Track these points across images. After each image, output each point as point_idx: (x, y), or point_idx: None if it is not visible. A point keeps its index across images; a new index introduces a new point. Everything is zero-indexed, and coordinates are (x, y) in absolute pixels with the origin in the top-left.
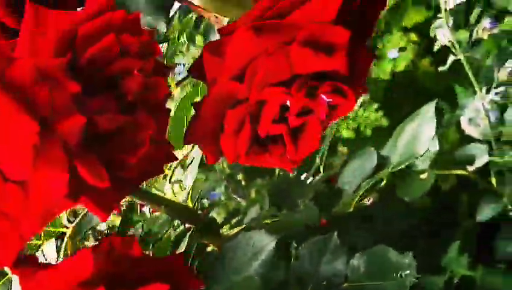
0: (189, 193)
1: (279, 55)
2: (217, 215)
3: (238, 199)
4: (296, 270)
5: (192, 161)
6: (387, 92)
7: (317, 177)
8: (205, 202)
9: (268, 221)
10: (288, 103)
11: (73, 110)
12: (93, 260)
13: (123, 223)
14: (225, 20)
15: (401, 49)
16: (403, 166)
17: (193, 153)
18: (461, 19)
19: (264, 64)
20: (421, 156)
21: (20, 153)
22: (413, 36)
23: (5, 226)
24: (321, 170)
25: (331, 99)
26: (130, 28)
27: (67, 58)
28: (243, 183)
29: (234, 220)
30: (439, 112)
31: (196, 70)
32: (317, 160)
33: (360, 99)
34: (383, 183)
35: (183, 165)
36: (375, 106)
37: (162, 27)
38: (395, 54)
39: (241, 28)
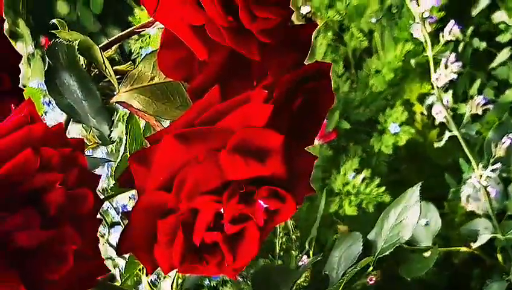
0: (173, 281)
1: (209, 163)
2: None
3: (240, 279)
4: None
5: None
6: (390, 166)
7: (305, 262)
8: None
9: None
10: (222, 210)
11: None
12: None
13: None
14: (166, 123)
15: (403, 124)
16: (387, 252)
17: None
18: (460, 91)
19: (193, 172)
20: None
21: None
22: (419, 107)
23: None
24: (310, 254)
25: (268, 205)
26: (53, 140)
27: None
28: None
29: None
30: (444, 185)
31: (125, 179)
32: (307, 245)
33: (362, 175)
34: (369, 270)
35: None
36: (377, 181)
37: (105, 130)
38: (396, 128)
39: (167, 136)
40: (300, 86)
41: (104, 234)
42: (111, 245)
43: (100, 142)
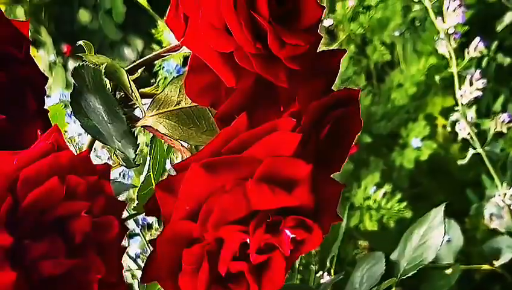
0: None
1: (236, 192)
2: None
3: None
4: None
5: None
6: (411, 181)
7: (326, 281)
8: None
9: None
10: (248, 240)
11: (4, 265)
12: None
13: None
14: (193, 149)
15: (425, 138)
16: (410, 274)
17: None
18: (484, 106)
19: (219, 202)
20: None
21: None
22: (442, 121)
23: None
24: (332, 273)
25: (294, 235)
26: (79, 168)
27: (6, 204)
28: None
29: None
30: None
31: (151, 206)
32: (328, 262)
33: (383, 190)
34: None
35: None
36: (399, 196)
37: (131, 153)
38: (418, 143)
39: (194, 165)
40: (328, 113)
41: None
42: (130, 257)
43: (124, 164)
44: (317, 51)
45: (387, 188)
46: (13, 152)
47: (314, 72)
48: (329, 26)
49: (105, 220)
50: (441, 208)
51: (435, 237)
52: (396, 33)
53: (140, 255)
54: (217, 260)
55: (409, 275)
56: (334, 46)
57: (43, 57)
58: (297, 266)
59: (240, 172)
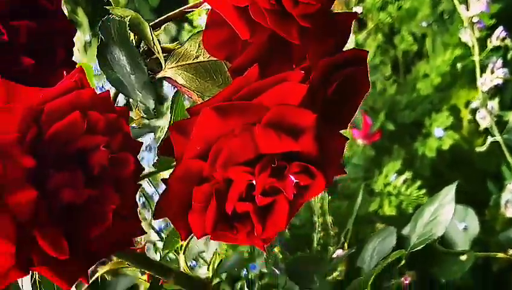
0: (209, 265)
1: (244, 136)
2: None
3: (277, 271)
4: None
5: None
6: (432, 170)
7: (339, 255)
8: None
9: None
10: (254, 182)
11: (25, 184)
12: None
13: None
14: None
15: (448, 128)
16: (419, 247)
17: None
18: (507, 98)
19: (228, 144)
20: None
21: None
22: (466, 114)
23: None
24: (345, 247)
25: (298, 181)
26: (100, 105)
27: (30, 133)
28: (280, 256)
29: None
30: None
31: (165, 148)
32: (342, 237)
33: (404, 176)
34: (402, 263)
35: None
36: (419, 183)
37: (151, 104)
38: (441, 132)
39: (206, 108)
40: (336, 72)
41: (147, 219)
42: (154, 229)
43: (145, 116)
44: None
45: (407, 175)
46: (40, 89)
47: (325, 32)
48: (359, 14)
49: (122, 156)
50: (453, 186)
51: (445, 213)
52: (424, 24)
53: (164, 230)
54: (225, 200)
55: (418, 248)
56: (362, 35)
57: (79, 37)
58: (315, 245)
59: (248, 117)
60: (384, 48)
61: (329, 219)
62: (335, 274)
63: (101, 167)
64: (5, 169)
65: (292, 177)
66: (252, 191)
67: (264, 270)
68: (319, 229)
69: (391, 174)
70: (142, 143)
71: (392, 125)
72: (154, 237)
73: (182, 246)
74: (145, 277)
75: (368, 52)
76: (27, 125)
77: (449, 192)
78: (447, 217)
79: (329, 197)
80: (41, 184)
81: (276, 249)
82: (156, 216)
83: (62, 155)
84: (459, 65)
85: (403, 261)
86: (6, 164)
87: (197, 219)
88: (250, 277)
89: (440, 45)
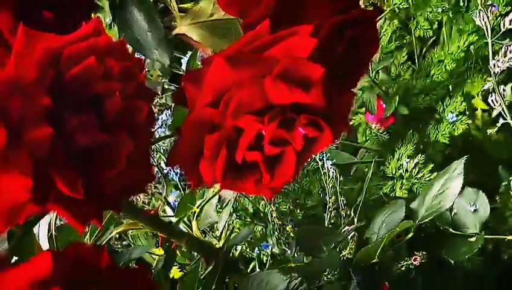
0: (221, 234)
1: (254, 86)
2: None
3: (288, 250)
4: None
5: (226, 205)
6: (444, 156)
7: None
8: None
9: (292, 265)
10: (263, 131)
11: (43, 122)
12: (52, 262)
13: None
14: None
15: (461, 114)
16: (427, 219)
17: (224, 194)
18: None
19: (239, 93)
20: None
21: None
22: (480, 104)
23: None
24: (355, 221)
25: (307, 133)
26: (115, 53)
27: (49, 76)
28: (292, 234)
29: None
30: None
31: (179, 97)
32: (352, 212)
33: (415, 160)
34: (409, 235)
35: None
36: (430, 167)
37: (166, 61)
38: (453, 117)
39: (218, 57)
40: (346, 30)
41: (162, 194)
42: (169, 205)
43: (161, 74)
44: None
45: (419, 158)
46: (57, 35)
47: None
48: None
49: (136, 103)
50: (462, 160)
51: (453, 186)
52: (439, 10)
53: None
54: (235, 148)
55: (426, 220)
56: (378, 20)
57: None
58: (326, 224)
59: (259, 69)
60: (400, 33)
61: (340, 199)
62: (345, 252)
63: (116, 113)
64: (24, 107)
65: (301, 129)
66: (261, 141)
67: (276, 250)
68: (331, 210)
69: (404, 158)
70: (155, 92)
71: (406, 110)
72: (169, 211)
73: (194, 213)
74: (158, 251)
75: (376, 12)
76: (46, 68)
77: (458, 166)
78: (455, 190)
79: (342, 178)
80: (58, 126)
81: (288, 228)
82: (168, 163)
83: (79, 99)
84: (472, 47)
85: (411, 234)
86: (25, 102)
87: (207, 166)
88: (261, 257)
89: (455, 31)
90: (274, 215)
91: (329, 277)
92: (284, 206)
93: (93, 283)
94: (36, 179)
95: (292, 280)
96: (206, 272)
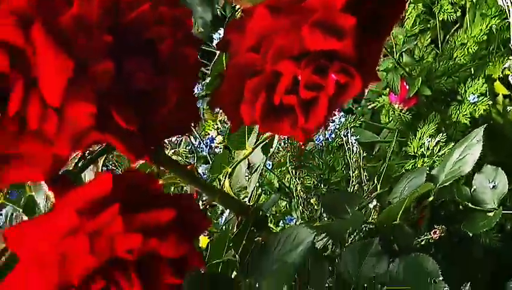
0: (251, 195)
1: (292, 32)
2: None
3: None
4: (337, 268)
5: (256, 169)
6: (465, 136)
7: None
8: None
9: (318, 223)
10: (299, 77)
11: (105, 57)
12: (112, 182)
13: None
14: None
15: (482, 95)
16: (447, 183)
17: (253, 158)
18: None
19: (278, 39)
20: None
21: (57, 83)
22: (501, 88)
23: (40, 146)
24: (378, 188)
25: (338, 79)
26: (168, 2)
27: (109, 18)
28: (316, 208)
29: None
30: None
31: (223, 44)
32: (375, 180)
33: (437, 139)
34: (430, 199)
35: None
36: (451, 145)
37: (208, 16)
38: (474, 98)
39: (260, 6)
40: None
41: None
42: (200, 176)
43: (202, 30)
44: None
45: (440, 137)
46: None
47: None
48: None
49: (185, 49)
50: (481, 128)
51: (473, 153)
52: None
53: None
54: (273, 91)
55: (446, 184)
56: None
57: None
58: None
59: (297, 17)
60: (423, 17)
61: (362, 174)
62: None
63: (167, 57)
64: (88, 42)
65: (333, 76)
66: (297, 86)
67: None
68: (354, 183)
69: (425, 137)
70: (202, 40)
71: (429, 91)
72: None
73: (227, 173)
74: None
75: None
76: (106, 11)
77: (477, 133)
78: (475, 156)
79: (365, 154)
80: (118, 66)
81: (312, 201)
82: (211, 104)
83: (135, 43)
84: (493, 25)
85: (432, 197)
86: (90, 38)
87: (247, 108)
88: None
89: (478, 16)
90: (299, 188)
91: (352, 236)
92: (309, 181)
93: (146, 205)
94: (98, 111)
95: (318, 241)
96: (236, 229)
